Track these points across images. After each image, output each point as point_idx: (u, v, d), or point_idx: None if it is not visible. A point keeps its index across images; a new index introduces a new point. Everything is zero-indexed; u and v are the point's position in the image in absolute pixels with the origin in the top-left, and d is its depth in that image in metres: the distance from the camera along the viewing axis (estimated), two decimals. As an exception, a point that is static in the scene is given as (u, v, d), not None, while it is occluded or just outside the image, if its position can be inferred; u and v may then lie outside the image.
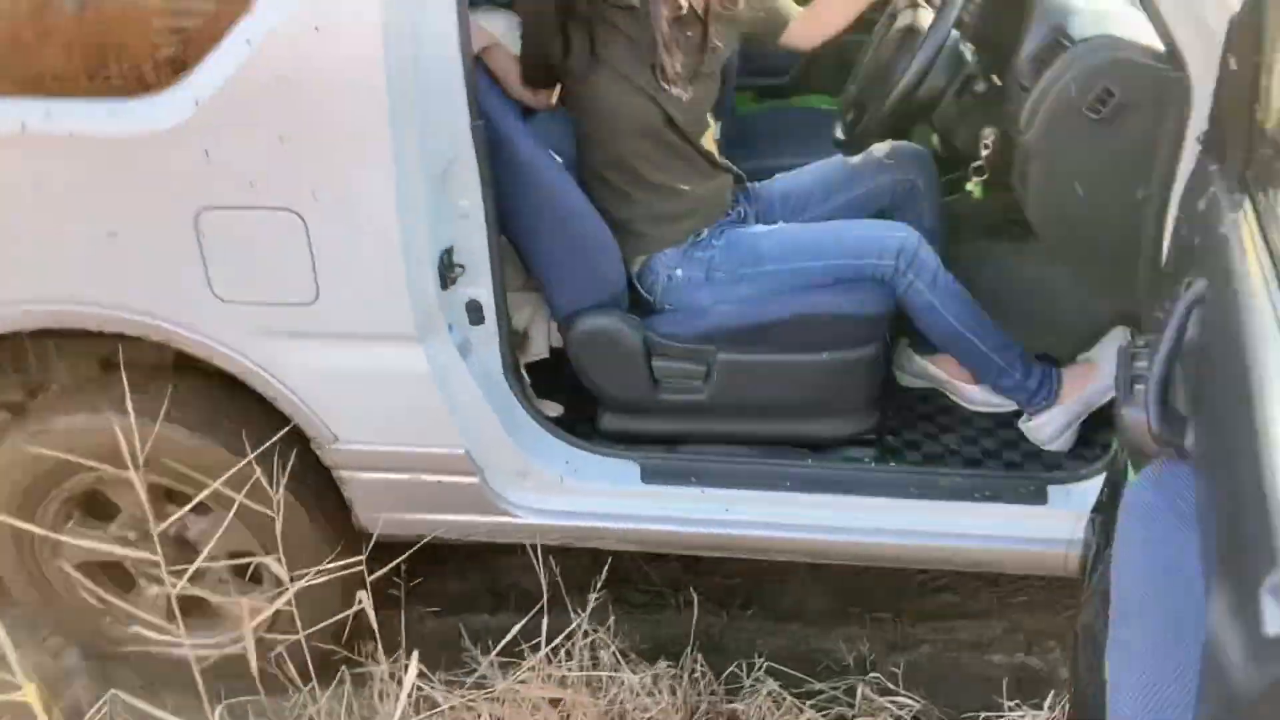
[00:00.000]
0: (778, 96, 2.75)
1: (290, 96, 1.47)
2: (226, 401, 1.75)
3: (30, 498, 1.79)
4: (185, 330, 1.64)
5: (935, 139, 2.04)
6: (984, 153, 1.78)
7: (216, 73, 1.47)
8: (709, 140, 1.88)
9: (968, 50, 1.80)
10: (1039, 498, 1.75)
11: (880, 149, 1.97)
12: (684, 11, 1.72)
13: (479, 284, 1.67)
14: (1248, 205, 1.22)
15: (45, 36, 1.52)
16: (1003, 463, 1.89)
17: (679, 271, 1.82)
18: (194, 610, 1.85)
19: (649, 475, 1.80)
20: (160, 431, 1.66)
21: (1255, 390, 0.95)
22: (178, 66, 1.49)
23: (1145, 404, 1.19)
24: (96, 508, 1.88)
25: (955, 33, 1.79)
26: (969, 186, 1.81)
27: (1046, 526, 1.72)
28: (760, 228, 1.89)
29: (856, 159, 1.97)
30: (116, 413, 1.71)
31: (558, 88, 1.81)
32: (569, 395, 1.95)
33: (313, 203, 1.52)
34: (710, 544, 1.79)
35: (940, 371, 2.01)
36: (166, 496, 1.80)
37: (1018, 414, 1.92)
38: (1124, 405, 1.28)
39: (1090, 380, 1.85)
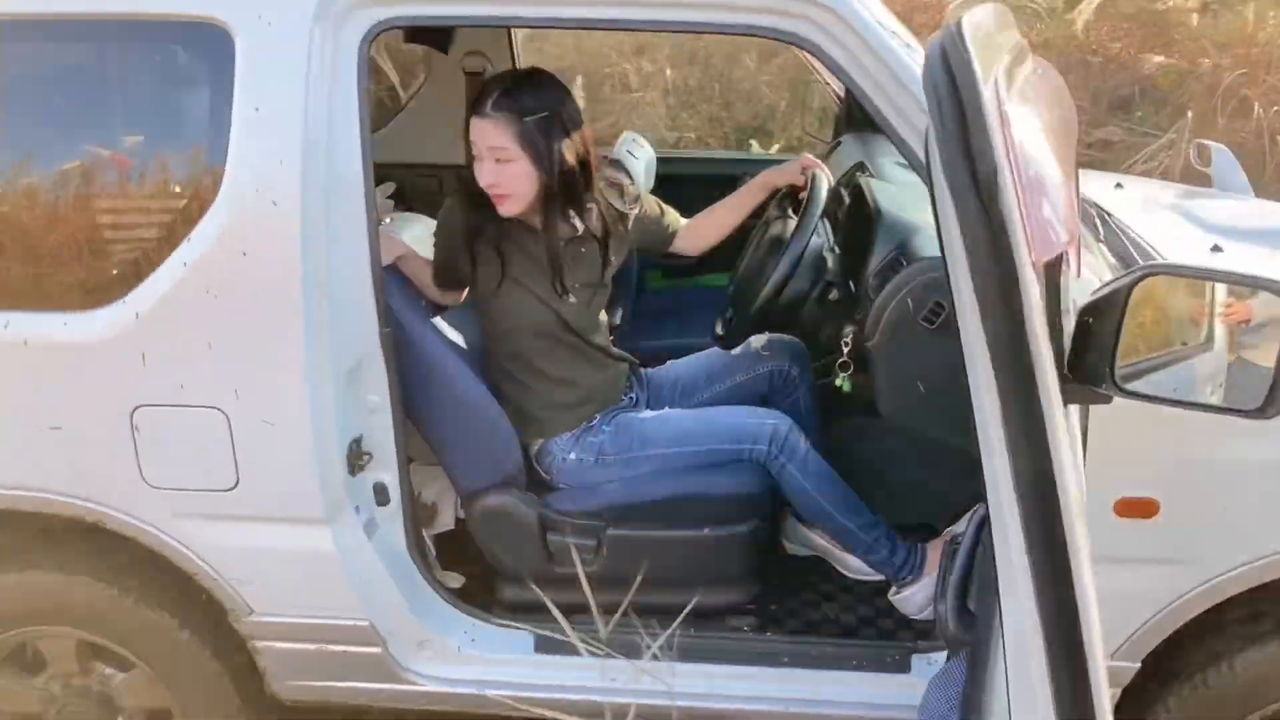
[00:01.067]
0: (684, 275, 2.99)
1: (218, 309, 1.66)
2: (156, 572, 1.89)
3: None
4: (115, 512, 1.79)
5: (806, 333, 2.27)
6: (845, 349, 1.99)
7: (155, 289, 1.67)
8: (603, 335, 2.09)
9: (831, 258, 2.03)
10: (903, 667, 1.90)
11: (758, 340, 2.19)
12: (580, 233, 1.95)
13: (385, 468, 1.84)
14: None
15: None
16: (877, 630, 2.04)
17: (572, 455, 2.00)
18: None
19: (541, 645, 1.94)
20: (94, 592, 1.84)
21: (993, 603, 1.13)
22: (123, 284, 1.69)
23: (946, 603, 1.37)
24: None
25: (823, 240, 2.03)
26: (838, 382, 2.02)
27: (910, 695, 1.86)
28: (648, 413, 2.08)
29: (737, 350, 2.18)
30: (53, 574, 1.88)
31: (466, 289, 2.02)
32: (473, 565, 2.09)
33: (235, 401, 1.70)
34: (596, 713, 1.91)
35: (821, 540, 2.18)
36: (94, 653, 1.94)
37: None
38: (939, 600, 1.46)
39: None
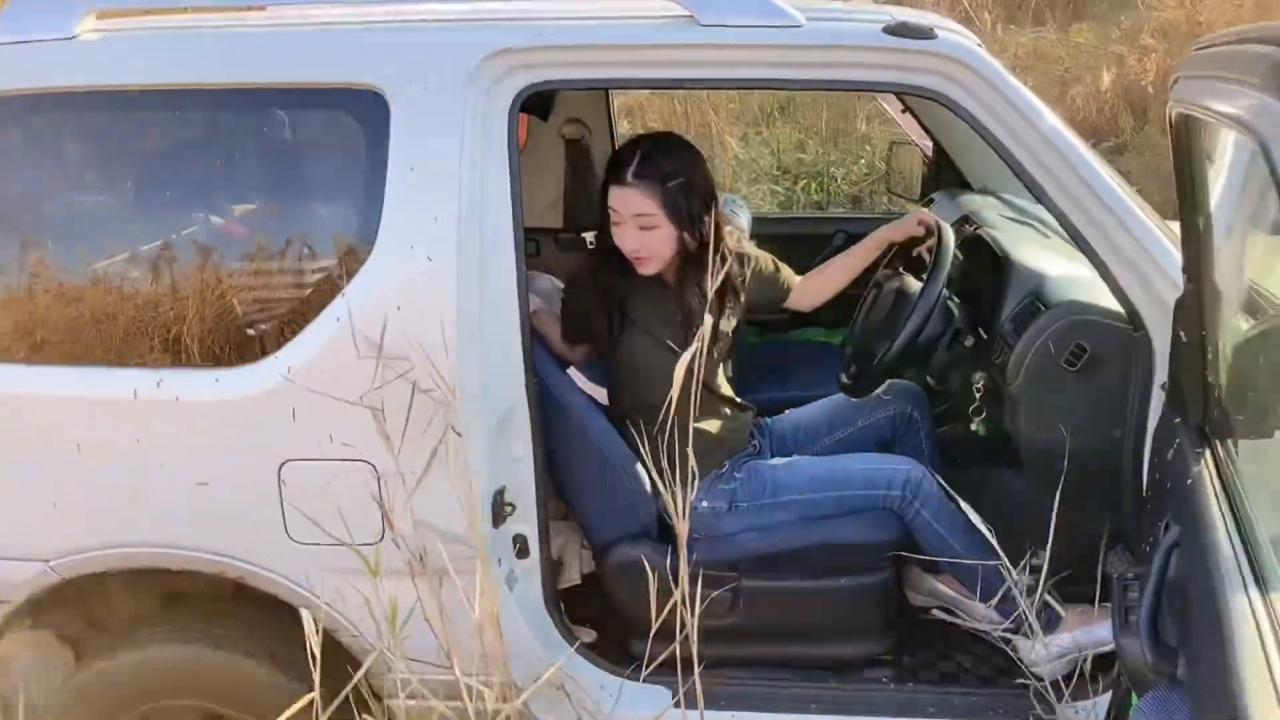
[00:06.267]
0: (777, 330, 3.03)
1: (370, 363, 1.69)
2: (279, 629, 1.88)
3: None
4: (259, 569, 1.79)
5: (929, 378, 2.28)
6: (978, 396, 2.00)
7: (308, 346, 1.70)
8: (727, 385, 2.10)
9: (954, 306, 2.06)
10: (1049, 715, 1.86)
11: (880, 387, 2.20)
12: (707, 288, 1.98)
13: (527, 520, 1.84)
14: (1208, 457, 1.43)
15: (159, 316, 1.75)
16: (1014, 680, 2.00)
17: (705, 503, 2.00)
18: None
19: (683, 699, 1.91)
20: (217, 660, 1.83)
21: (1226, 631, 1.11)
22: (272, 340, 1.72)
23: (1139, 636, 1.35)
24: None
25: (945, 291, 2.05)
26: (974, 427, 2.02)
27: (1058, 744, 1.82)
28: (777, 460, 2.09)
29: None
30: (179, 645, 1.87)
31: (590, 345, 2.05)
32: (601, 620, 2.07)
33: (385, 453, 1.71)
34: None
35: (948, 590, 2.15)
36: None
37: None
38: (1121, 636, 1.44)
39: (1094, 624, 1.97)
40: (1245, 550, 1.20)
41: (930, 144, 3.00)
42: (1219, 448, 1.44)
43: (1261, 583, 1.14)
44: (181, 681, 1.88)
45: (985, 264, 2.14)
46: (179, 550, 1.81)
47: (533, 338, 1.96)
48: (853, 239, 2.90)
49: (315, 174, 1.81)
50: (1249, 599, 1.11)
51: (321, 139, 1.82)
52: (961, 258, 2.27)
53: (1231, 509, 1.29)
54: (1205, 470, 1.40)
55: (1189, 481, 1.39)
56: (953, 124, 2.23)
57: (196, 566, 1.81)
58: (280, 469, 1.73)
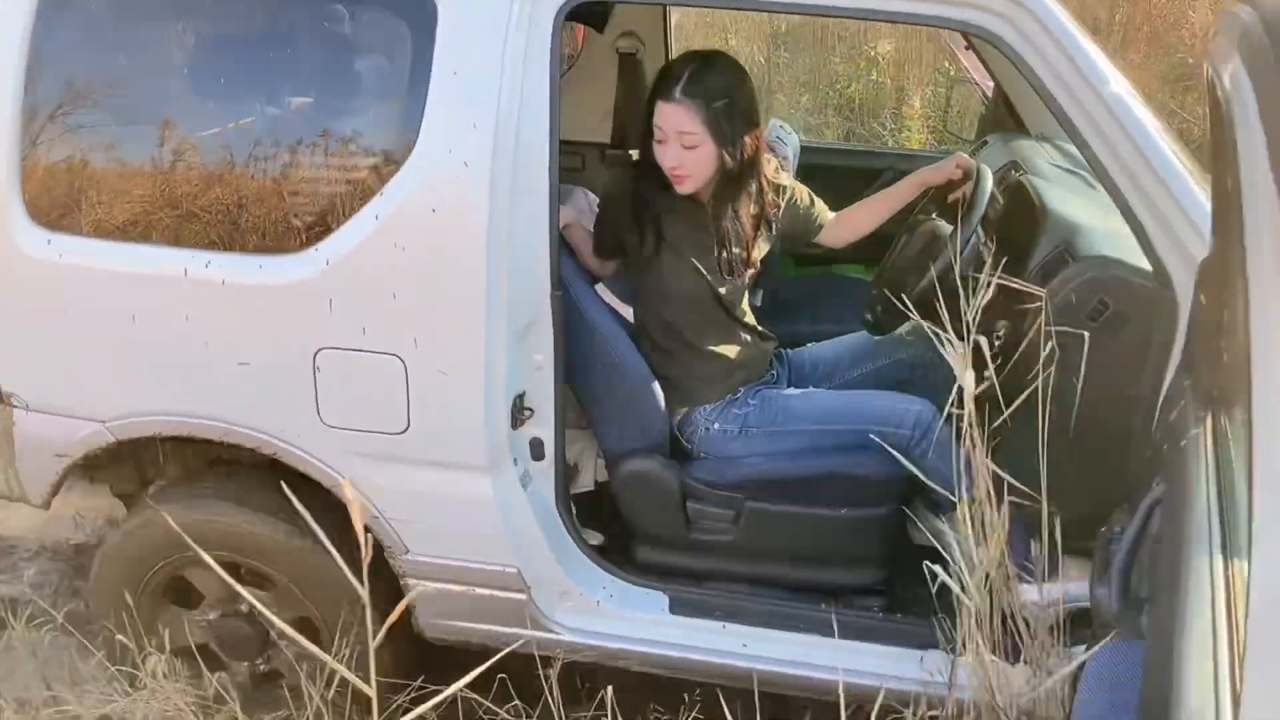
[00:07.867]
0: (817, 264, 3.03)
1: (404, 262, 1.76)
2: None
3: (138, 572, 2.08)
4: (293, 447, 1.91)
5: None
6: (997, 343, 2.01)
7: (346, 240, 1.77)
8: (749, 313, 2.14)
9: (987, 251, 2.05)
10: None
11: (903, 327, 2.22)
12: (742, 213, 2.01)
13: (544, 425, 1.92)
14: (1208, 422, 1.44)
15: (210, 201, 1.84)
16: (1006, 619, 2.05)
17: (716, 425, 2.06)
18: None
19: (676, 606, 2.00)
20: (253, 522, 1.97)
21: (1182, 590, 1.15)
22: (313, 232, 1.80)
23: (1109, 587, 1.39)
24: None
25: (978, 236, 2.05)
26: (988, 373, 2.03)
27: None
28: (792, 390, 2.13)
29: (880, 335, 2.22)
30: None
31: (620, 259, 2.09)
32: (609, 525, 2.17)
33: (413, 349, 1.80)
34: (727, 675, 1.97)
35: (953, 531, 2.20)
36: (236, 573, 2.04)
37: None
38: (1097, 585, 1.49)
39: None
40: (1221, 518, 1.23)
41: (992, 84, 2.93)
42: (1222, 414, 1.45)
43: (1228, 550, 1.16)
44: (217, 536, 2.01)
45: (1022, 211, 2.12)
46: (220, 423, 1.92)
47: (563, 250, 2.03)
48: (902, 176, 2.88)
49: (363, 72, 1.86)
50: (1210, 563, 1.14)
51: (371, 38, 1.86)
52: (1001, 202, 2.25)
53: (1219, 476, 1.31)
54: (1203, 434, 1.41)
55: (1183, 443, 1.41)
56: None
57: (235, 440, 1.93)
58: (315, 356, 1.83)
